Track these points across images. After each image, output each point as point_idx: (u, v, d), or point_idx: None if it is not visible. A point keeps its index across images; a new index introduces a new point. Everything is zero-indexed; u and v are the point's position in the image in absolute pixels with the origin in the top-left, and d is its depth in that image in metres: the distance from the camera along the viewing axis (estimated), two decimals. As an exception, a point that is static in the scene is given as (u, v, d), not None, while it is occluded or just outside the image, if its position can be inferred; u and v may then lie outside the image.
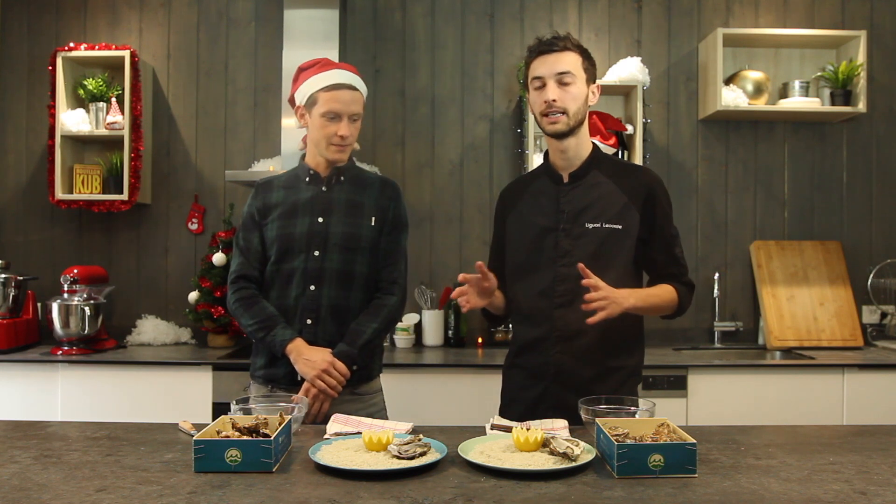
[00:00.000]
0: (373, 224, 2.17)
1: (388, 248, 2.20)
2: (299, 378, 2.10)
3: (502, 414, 2.06)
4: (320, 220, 2.14)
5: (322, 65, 2.15)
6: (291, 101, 2.22)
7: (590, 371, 1.94)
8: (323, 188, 2.18)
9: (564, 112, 1.92)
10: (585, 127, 2.00)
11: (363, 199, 2.19)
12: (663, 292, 1.96)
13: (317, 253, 2.13)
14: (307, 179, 2.19)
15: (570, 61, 1.92)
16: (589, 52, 1.99)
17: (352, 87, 2.11)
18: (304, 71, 2.17)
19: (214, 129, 3.80)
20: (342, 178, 2.20)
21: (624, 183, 1.97)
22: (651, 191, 1.96)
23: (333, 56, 3.45)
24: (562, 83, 1.91)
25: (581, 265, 1.81)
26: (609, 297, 1.79)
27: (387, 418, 2.23)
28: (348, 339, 2.11)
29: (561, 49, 1.93)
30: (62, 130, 3.53)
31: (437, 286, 3.72)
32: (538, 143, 3.55)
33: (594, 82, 1.98)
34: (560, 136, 1.95)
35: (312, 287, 2.13)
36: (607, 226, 1.94)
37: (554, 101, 1.91)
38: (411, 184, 3.77)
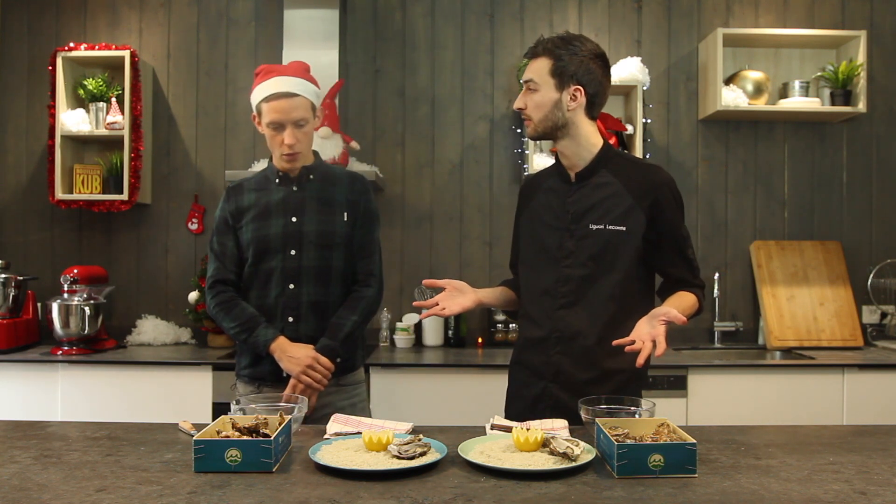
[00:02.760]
0: (345, 219, 2.21)
1: (362, 241, 2.24)
2: (284, 374, 2.14)
3: (505, 410, 2.08)
4: (294, 219, 2.18)
5: (265, 72, 2.16)
6: None
7: (589, 373, 1.93)
8: (294, 188, 2.21)
9: (531, 118, 1.95)
10: (582, 128, 1.95)
11: (334, 196, 2.22)
12: (686, 300, 1.94)
13: (293, 252, 2.16)
14: (277, 181, 2.22)
15: (535, 68, 1.94)
16: (571, 52, 1.90)
17: (291, 95, 2.11)
18: (256, 77, 2.19)
19: (214, 129, 3.80)
20: (311, 176, 2.23)
21: (632, 183, 1.94)
22: (659, 192, 1.93)
23: (333, 57, 3.46)
24: (528, 90, 1.95)
25: (616, 342, 1.76)
26: (651, 335, 1.75)
27: (369, 410, 2.28)
28: (329, 334, 2.16)
29: (531, 55, 1.96)
30: (62, 130, 3.53)
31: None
32: (538, 143, 3.55)
33: (576, 85, 1.91)
34: (533, 139, 2.01)
35: (292, 286, 2.17)
36: (611, 227, 1.92)
37: (519, 108, 1.97)
38: (411, 184, 3.77)
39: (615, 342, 1.77)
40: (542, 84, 1.93)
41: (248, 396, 1.85)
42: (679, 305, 1.91)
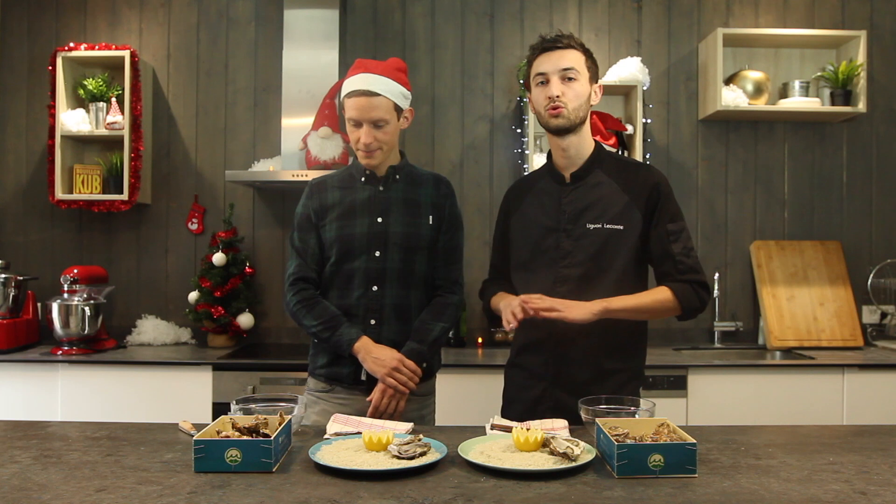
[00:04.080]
0: (430, 222, 2.16)
1: (447, 246, 2.19)
2: (363, 377, 2.09)
3: (503, 413, 2.07)
4: (379, 220, 2.12)
5: (355, 67, 2.11)
6: None
7: (588, 373, 1.94)
8: (380, 188, 2.15)
9: (565, 106, 1.92)
10: (587, 126, 2.00)
11: (419, 198, 2.17)
12: (653, 293, 1.92)
13: (377, 253, 2.11)
14: (363, 179, 2.16)
15: (573, 58, 1.93)
16: (591, 53, 1.99)
17: (371, 93, 2.04)
18: (349, 71, 2.15)
19: (214, 129, 3.80)
20: (398, 176, 2.17)
21: (626, 182, 1.96)
22: (654, 190, 1.94)
23: (333, 57, 3.46)
24: (565, 79, 1.92)
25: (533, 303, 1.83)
26: (556, 306, 1.82)
27: (434, 420, 2.23)
28: (416, 337, 2.10)
29: (565, 46, 1.93)
30: (62, 130, 3.53)
31: (437, 286, 3.72)
32: (538, 143, 3.55)
33: (597, 82, 1.98)
34: (561, 131, 1.95)
35: (375, 287, 2.11)
36: (608, 226, 1.93)
37: (558, 96, 1.91)
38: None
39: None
40: (581, 74, 1.93)
41: (240, 399, 1.80)
42: (637, 296, 1.91)
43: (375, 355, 2.05)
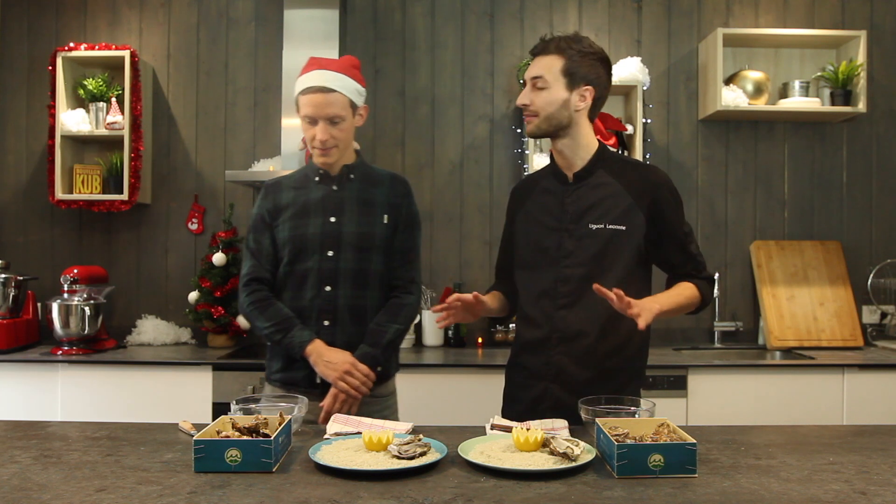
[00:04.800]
0: (385, 222, 2.15)
1: (403, 246, 2.18)
2: (318, 381, 2.08)
3: (503, 413, 2.07)
4: (333, 219, 2.11)
5: (309, 65, 2.10)
6: None
7: (590, 373, 1.93)
8: (334, 187, 2.14)
9: (536, 115, 1.93)
10: (583, 129, 1.96)
11: (374, 197, 2.16)
12: (684, 290, 1.94)
13: (331, 253, 2.09)
14: (317, 179, 2.16)
15: (545, 65, 1.91)
16: (581, 53, 1.91)
17: (327, 90, 2.03)
18: (303, 69, 2.14)
19: (214, 129, 3.80)
20: (352, 175, 2.17)
21: (630, 183, 1.95)
22: (657, 191, 1.94)
23: (333, 56, 3.45)
24: (535, 87, 1.93)
25: (596, 286, 1.78)
26: (639, 305, 1.77)
27: (398, 420, 2.22)
28: (370, 340, 2.09)
29: (540, 52, 1.94)
30: (62, 130, 3.53)
31: (437, 286, 3.72)
32: (538, 142, 3.55)
33: (587, 85, 1.92)
34: (533, 136, 1.98)
35: (328, 288, 2.10)
36: (611, 227, 1.92)
37: (526, 104, 1.94)
38: (411, 184, 3.75)
39: (628, 312, 1.76)
40: (552, 82, 1.91)
41: (240, 399, 1.80)
42: (670, 292, 1.93)
43: (327, 359, 2.03)
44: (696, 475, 1.41)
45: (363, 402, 2.09)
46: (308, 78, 2.06)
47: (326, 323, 2.10)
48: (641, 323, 1.74)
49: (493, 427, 1.73)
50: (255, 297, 2.12)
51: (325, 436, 1.71)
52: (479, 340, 3.65)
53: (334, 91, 2.05)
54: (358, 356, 2.06)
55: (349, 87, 2.08)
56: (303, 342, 2.05)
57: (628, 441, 1.45)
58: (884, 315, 3.70)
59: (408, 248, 2.19)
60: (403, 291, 2.18)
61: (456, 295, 1.94)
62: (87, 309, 3.28)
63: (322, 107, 2.04)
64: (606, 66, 1.96)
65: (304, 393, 1.99)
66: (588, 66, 1.92)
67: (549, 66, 1.91)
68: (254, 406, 1.75)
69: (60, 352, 3.24)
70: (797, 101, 3.56)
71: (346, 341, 2.10)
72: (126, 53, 3.54)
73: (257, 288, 2.13)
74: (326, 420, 1.99)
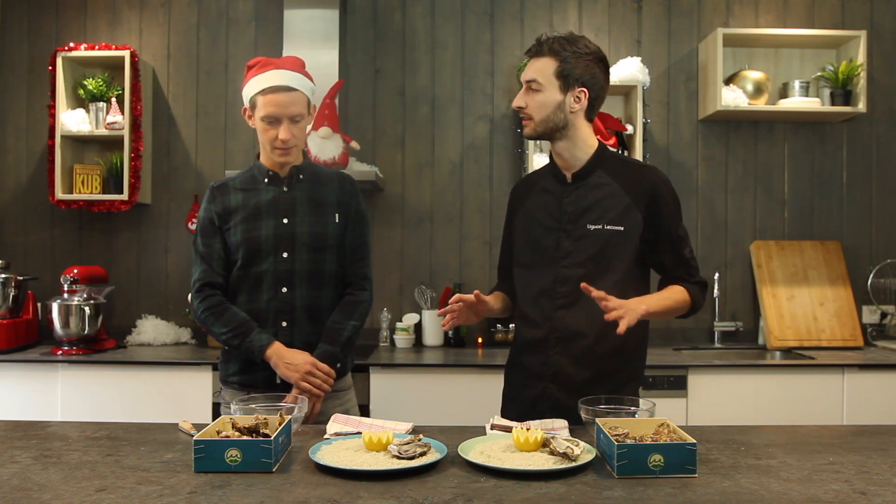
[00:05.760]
0: (337, 221, 2.16)
1: (355, 243, 2.20)
2: (278, 381, 2.09)
3: (502, 413, 2.07)
4: (285, 220, 2.12)
5: (261, 65, 2.10)
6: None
7: (588, 373, 1.94)
8: (284, 188, 2.15)
9: (531, 118, 1.93)
10: (580, 130, 1.96)
11: (324, 197, 2.17)
12: (674, 294, 1.95)
13: (285, 255, 2.10)
14: (266, 180, 2.16)
15: (538, 68, 1.91)
16: (577, 55, 1.89)
17: (289, 89, 2.06)
18: (249, 70, 2.14)
19: (214, 129, 3.80)
20: (301, 176, 2.18)
21: (628, 183, 1.95)
22: (656, 192, 1.94)
23: (333, 57, 3.46)
24: (529, 90, 1.93)
25: (584, 284, 1.79)
26: (623, 307, 1.77)
27: (359, 415, 2.24)
28: (328, 339, 2.11)
29: (534, 54, 1.93)
30: (62, 130, 3.53)
31: (437, 286, 3.72)
32: (538, 143, 3.55)
33: (581, 87, 1.91)
34: (530, 139, 1.99)
35: (284, 289, 2.11)
36: (609, 227, 1.92)
37: (519, 107, 1.94)
38: (411, 184, 3.77)
39: (607, 316, 1.77)
40: (546, 85, 1.91)
41: (240, 399, 1.78)
42: (660, 295, 1.94)
43: (288, 360, 2.05)
44: (696, 475, 1.41)
45: (325, 400, 2.12)
46: (266, 78, 2.07)
47: (284, 324, 2.11)
48: (622, 325, 1.74)
49: (493, 427, 1.73)
50: (209, 302, 2.11)
51: (325, 436, 1.71)
52: (479, 340, 3.65)
53: (296, 90, 2.08)
54: (318, 355, 2.08)
55: (306, 86, 2.12)
56: (262, 346, 2.05)
57: (628, 441, 1.45)
58: (884, 315, 3.70)
59: (359, 245, 2.21)
60: (358, 288, 2.20)
61: (458, 295, 1.94)
62: (87, 309, 3.28)
63: (285, 106, 2.06)
64: (603, 66, 1.94)
65: (263, 394, 1.97)
66: (583, 68, 1.90)
67: (543, 69, 1.91)
68: (254, 406, 1.75)
69: (60, 352, 3.24)
70: (797, 101, 3.56)
71: (304, 341, 2.11)
72: (126, 53, 3.54)
73: (210, 293, 2.12)
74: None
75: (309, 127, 2.30)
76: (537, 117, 1.93)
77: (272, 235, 2.10)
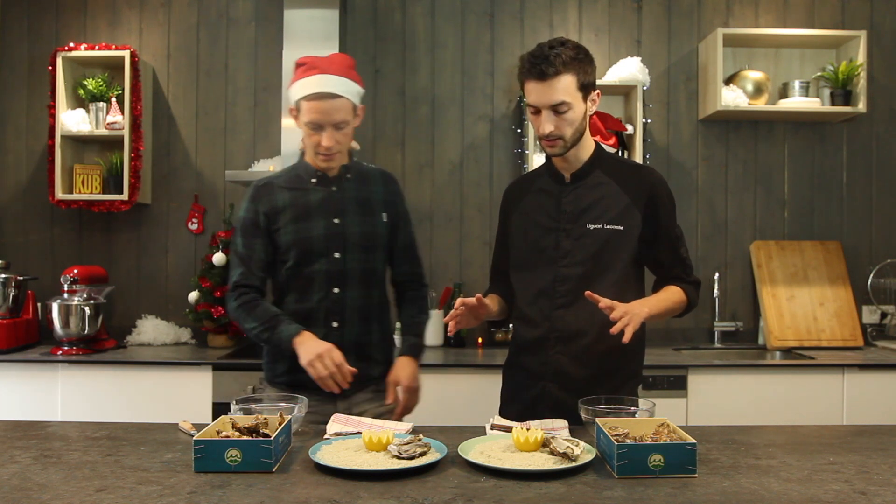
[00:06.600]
0: (385, 220, 2.17)
1: (406, 243, 2.24)
2: None
3: (501, 412, 2.07)
4: (336, 220, 2.10)
5: (308, 67, 2.03)
6: None
7: (588, 372, 1.94)
8: (333, 188, 2.13)
9: (561, 138, 1.88)
10: (587, 130, 1.98)
11: (371, 196, 2.16)
12: (672, 294, 1.95)
13: (337, 255, 2.08)
14: (314, 181, 2.13)
15: (563, 88, 1.83)
16: (585, 61, 1.88)
17: (333, 96, 1.99)
18: (297, 69, 2.08)
19: (214, 129, 3.80)
20: (349, 175, 2.16)
21: (626, 183, 1.95)
22: (654, 191, 1.95)
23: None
24: (557, 112, 1.86)
25: (588, 293, 1.79)
26: (628, 312, 1.77)
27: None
28: (412, 331, 2.22)
29: (553, 76, 1.82)
30: (62, 130, 3.53)
31: (437, 286, 3.72)
32: (538, 143, 3.53)
33: (594, 90, 1.92)
34: (559, 156, 1.94)
35: (336, 289, 2.08)
36: (608, 227, 1.93)
37: (550, 133, 1.87)
38: (411, 184, 3.77)
39: (614, 329, 1.76)
40: (574, 102, 1.86)
41: (240, 399, 1.77)
42: (659, 296, 1.95)
43: (307, 346, 1.97)
44: (696, 475, 1.41)
45: (366, 400, 2.12)
46: (310, 83, 2.00)
47: (335, 324, 2.09)
48: (628, 333, 1.74)
49: (493, 427, 1.73)
50: (242, 300, 2.09)
51: (325, 436, 1.71)
52: (479, 340, 3.65)
53: (340, 97, 2.00)
54: (406, 348, 2.16)
55: (352, 91, 2.05)
56: (290, 335, 2.00)
57: (628, 441, 1.45)
58: (884, 315, 3.70)
59: (411, 244, 2.26)
60: (419, 285, 2.28)
61: (460, 300, 1.92)
62: (87, 309, 3.28)
63: (329, 113, 2.00)
64: (592, 59, 1.92)
65: (311, 395, 1.95)
66: (591, 71, 1.90)
67: (568, 88, 1.84)
68: (254, 406, 1.75)
69: (60, 352, 3.24)
70: (797, 101, 3.56)
71: (355, 341, 2.10)
72: (126, 53, 3.54)
73: (244, 292, 2.10)
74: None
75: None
76: (569, 136, 1.89)
77: (323, 236, 2.08)
